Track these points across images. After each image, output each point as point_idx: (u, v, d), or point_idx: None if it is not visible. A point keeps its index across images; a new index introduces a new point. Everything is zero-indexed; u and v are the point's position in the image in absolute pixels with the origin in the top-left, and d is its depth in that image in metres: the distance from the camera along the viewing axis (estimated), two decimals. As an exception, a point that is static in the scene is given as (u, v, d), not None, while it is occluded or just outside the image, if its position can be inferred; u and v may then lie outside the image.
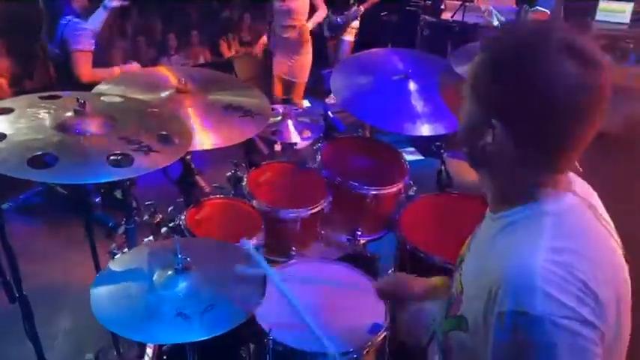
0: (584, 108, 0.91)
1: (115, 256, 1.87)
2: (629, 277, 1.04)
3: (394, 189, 2.24)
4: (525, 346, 0.88)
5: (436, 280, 1.48)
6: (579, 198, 1.03)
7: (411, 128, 2.24)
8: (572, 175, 1.06)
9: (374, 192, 2.19)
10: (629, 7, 5.46)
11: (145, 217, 2.00)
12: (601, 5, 5.54)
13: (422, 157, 3.88)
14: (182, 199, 2.05)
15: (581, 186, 1.07)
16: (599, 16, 5.55)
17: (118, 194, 1.89)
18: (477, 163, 1.07)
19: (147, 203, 2.01)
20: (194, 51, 6.00)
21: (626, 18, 5.47)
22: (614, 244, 1.05)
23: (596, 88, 0.90)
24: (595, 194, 1.11)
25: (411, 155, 4.03)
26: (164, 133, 1.60)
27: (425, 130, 2.23)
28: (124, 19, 6.00)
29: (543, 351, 0.87)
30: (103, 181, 1.35)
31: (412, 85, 2.36)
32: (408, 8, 5.42)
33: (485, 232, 1.13)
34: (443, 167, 2.40)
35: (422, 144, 3.96)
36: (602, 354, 0.90)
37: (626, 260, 1.04)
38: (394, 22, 4.82)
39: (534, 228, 0.96)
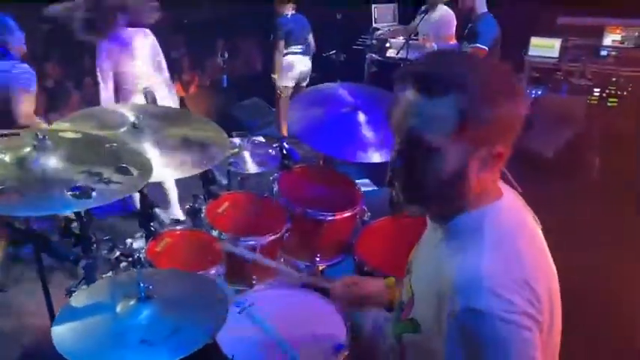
0: (515, 129, 1.06)
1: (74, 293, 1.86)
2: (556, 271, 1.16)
3: (350, 214, 2.33)
4: (476, 340, 0.97)
5: (388, 280, 1.60)
6: (513, 200, 1.15)
7: (363, 156, 2.35)
8: (501, 182, 1.18)
9: (330, 217, 2.27)
10: (557, 43, 5.91)
11: (104, 252, 2.00)
12: (532, 41, 5.98)
13: (376, 188, 4.02)
14: (141, 233, 2.07)
15: (510, 190, 1.19)
16: (531, 52, 5.99)
17: (76, 229, 1.89)
18: (425, 192, 1.10)
19: (105, 238, 2.01)
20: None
21: (556, 52, 5.91)
22: (542, 238, 1.17)
23: (521, 111, 1.05)
24: (521, 198, 1.23)
25: (365, 186, 4.16)
26: (123, 165, 1.65)
27: (376, 157, 2.34)
28: (78, 62, 6.03)
29: (492, 343, 0.96)
30: (65, 212, 1.38)
31: (361, 117, 2.49)
32: (354, 47, 5.67)
33: (430, 239, 1.23)
34: (394, 191, 2.50)
35: (375, 175, 4.10)
36: (540, 342, 1.00)
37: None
38: (342, 60, 5.03)
39: (476, 233, 1.06)
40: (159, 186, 3.13)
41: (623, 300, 3.03)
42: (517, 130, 1.05)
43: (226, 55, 3.38)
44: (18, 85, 3.20)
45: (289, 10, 5.10)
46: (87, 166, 1.58)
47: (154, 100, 2.78)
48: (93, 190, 1.49)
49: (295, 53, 5.21)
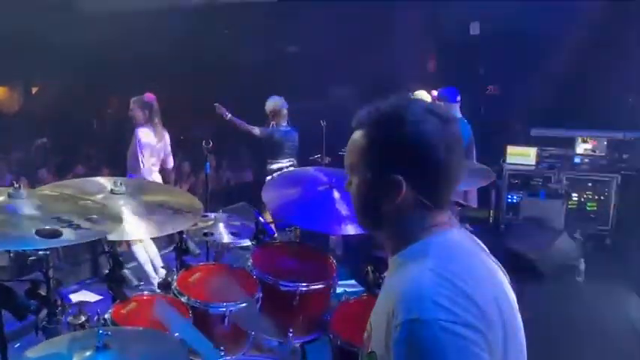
0: (452, 151, 1.13)
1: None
2: (514, 295, 1.17)
3: (323, 285, 2.31)
4: (418, 349, 0.97)
5: None
6: (461, 232, 1.20)
7: (337, 229, 2.41)
8: (454, 218, 1.23)
9: (303, 288, 2.25)
10: (533, 152, 6.24)
11: (69, 318, 1.95)
12: (509, 150, 6.31)
13: (362, 289, 3.97)
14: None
15: (462, 230, 1.23)
16: (509, 160, 6.30)
17: (42, 291, 1.86)
18: (380, 224, 1.19)
19: (72, 303, 1.98)
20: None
21: (532, 160, 6.22)
22: (494, 265, 1.21)
23: (455, 135, 1.15)
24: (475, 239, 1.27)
25: (352, 288, 4.13)
26: (94, 217, 1.69)
27: (350, 229, 2.39)
28: (69, 168, 6.26)
29: (434, 352, 0.96)
30: (31, 248, 1.39)
31: (336, 193, 2.57)
32: (339, 153, 5.94)
33: (388, 274, 1.25)
34: (369, 268, 2.51)
35: (362, 276, 4.08)
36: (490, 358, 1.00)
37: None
38: (326, 163, 5.25)
39: (421, 256, 1.10)
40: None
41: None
42: (441, 159, 1.10)
43: (211, 143, 3.56)
44: None
45: (284, 122, 5.18)
46: (58, 213, 1.62)
47: None
48: (61, 232, 1.52)
49: (287, 167, 5.19)
